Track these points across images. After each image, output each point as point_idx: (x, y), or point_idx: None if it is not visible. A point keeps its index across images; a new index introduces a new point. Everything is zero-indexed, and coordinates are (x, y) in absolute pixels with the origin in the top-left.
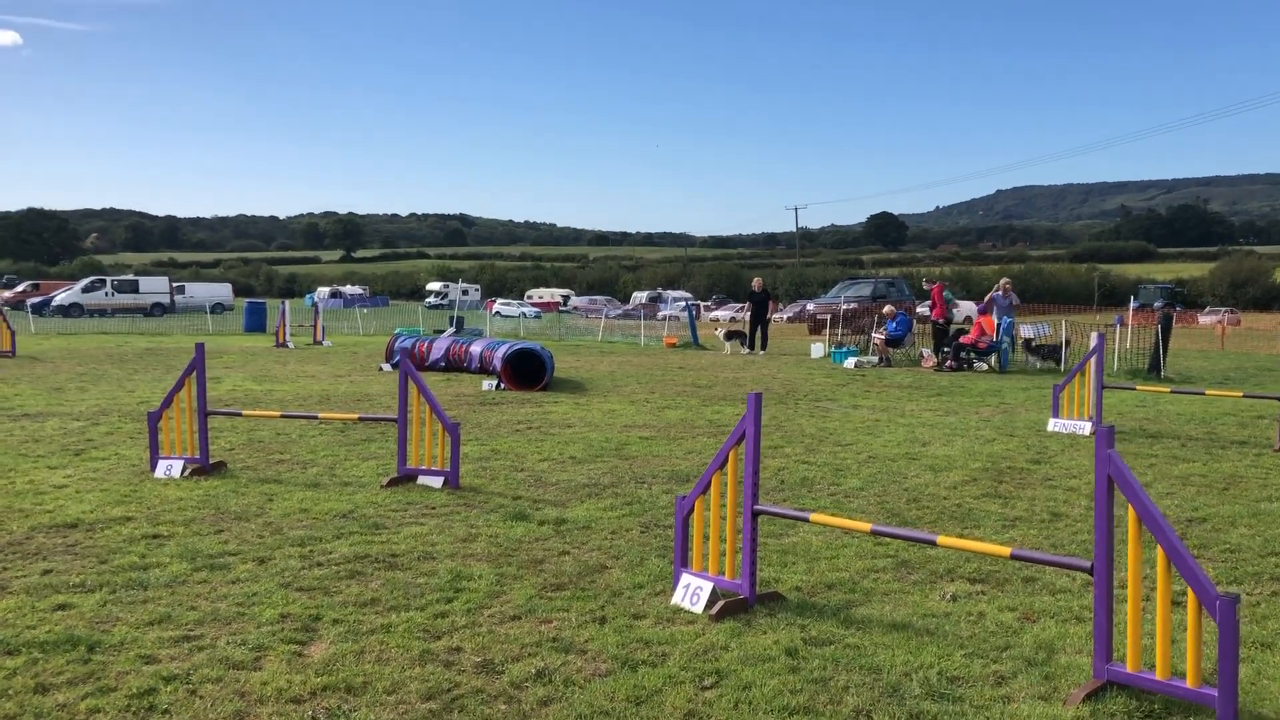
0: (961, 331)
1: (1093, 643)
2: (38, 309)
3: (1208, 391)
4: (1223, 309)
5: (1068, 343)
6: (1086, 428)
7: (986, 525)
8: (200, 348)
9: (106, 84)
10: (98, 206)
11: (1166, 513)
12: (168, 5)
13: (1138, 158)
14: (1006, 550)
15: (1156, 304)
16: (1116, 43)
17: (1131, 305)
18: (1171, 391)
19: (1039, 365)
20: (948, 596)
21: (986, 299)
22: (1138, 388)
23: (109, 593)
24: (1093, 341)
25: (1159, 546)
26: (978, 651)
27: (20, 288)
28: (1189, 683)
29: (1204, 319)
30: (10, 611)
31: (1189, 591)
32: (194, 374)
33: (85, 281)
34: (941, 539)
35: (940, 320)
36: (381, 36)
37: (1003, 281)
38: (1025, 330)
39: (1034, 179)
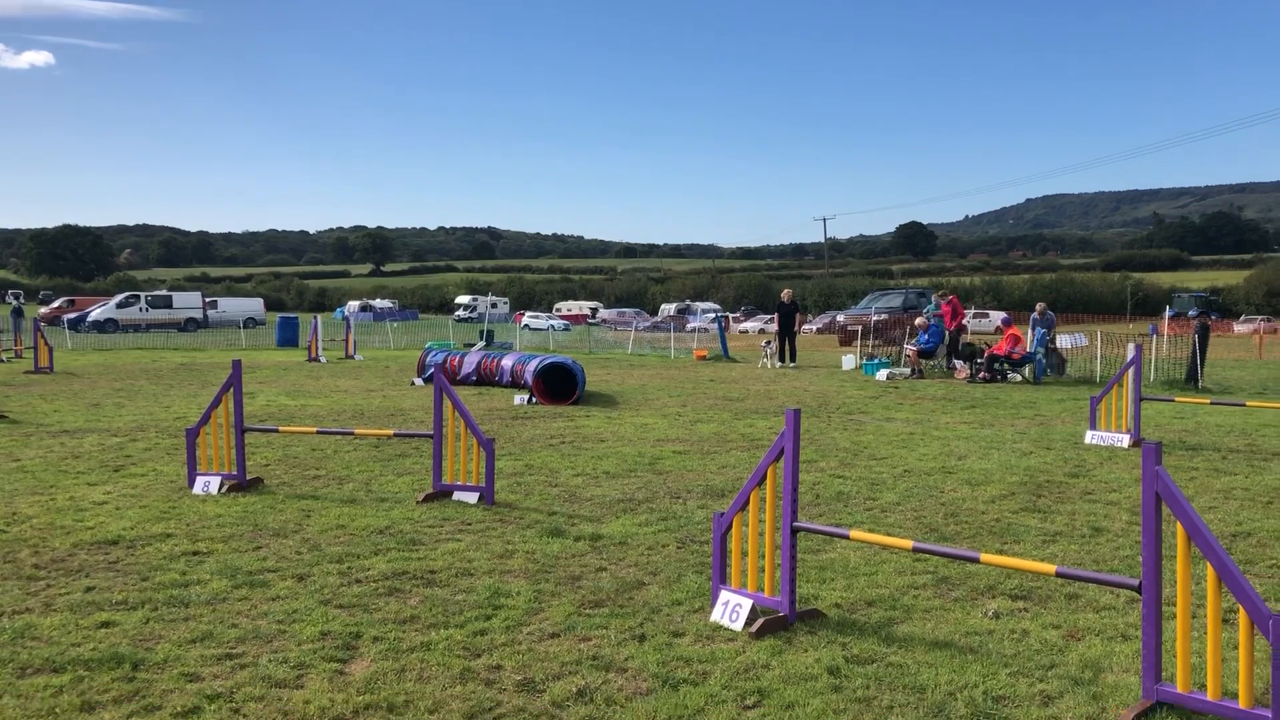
0: (973, 347)
1: (1140, 662)
2: (74, 325)
3: (1249, 403)
4: (1259, 317)
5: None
6: (1125, 440)
7: (1026, 540)
8: (237, 365)
9: (137, 102)
10: (131, 223)
11: (1210, 528)
12: (197, 24)
13: (1170, 165)
14: (1052, 568)
15: (1191, 313)
16: (1147, 48)
17: (1166, 314)
18: (1211, 403)
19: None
20: (991, 614)
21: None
22: (1177, 399)
23: (151, 610)
24: (1129, 353)
25: (1208, 564)
26: (1023, 670)
27: (56, 304)
28: (1241, 703)
29: (1240, 328)
30: (55, 629)
31: (1240, 610)
32: (231, 390)
33: (120, 297)
34: (985, 556)
35: (955, 330)
36: (407, 54)
37: (1039, 306)
38: (1063, 340)
39: (1064, 187)
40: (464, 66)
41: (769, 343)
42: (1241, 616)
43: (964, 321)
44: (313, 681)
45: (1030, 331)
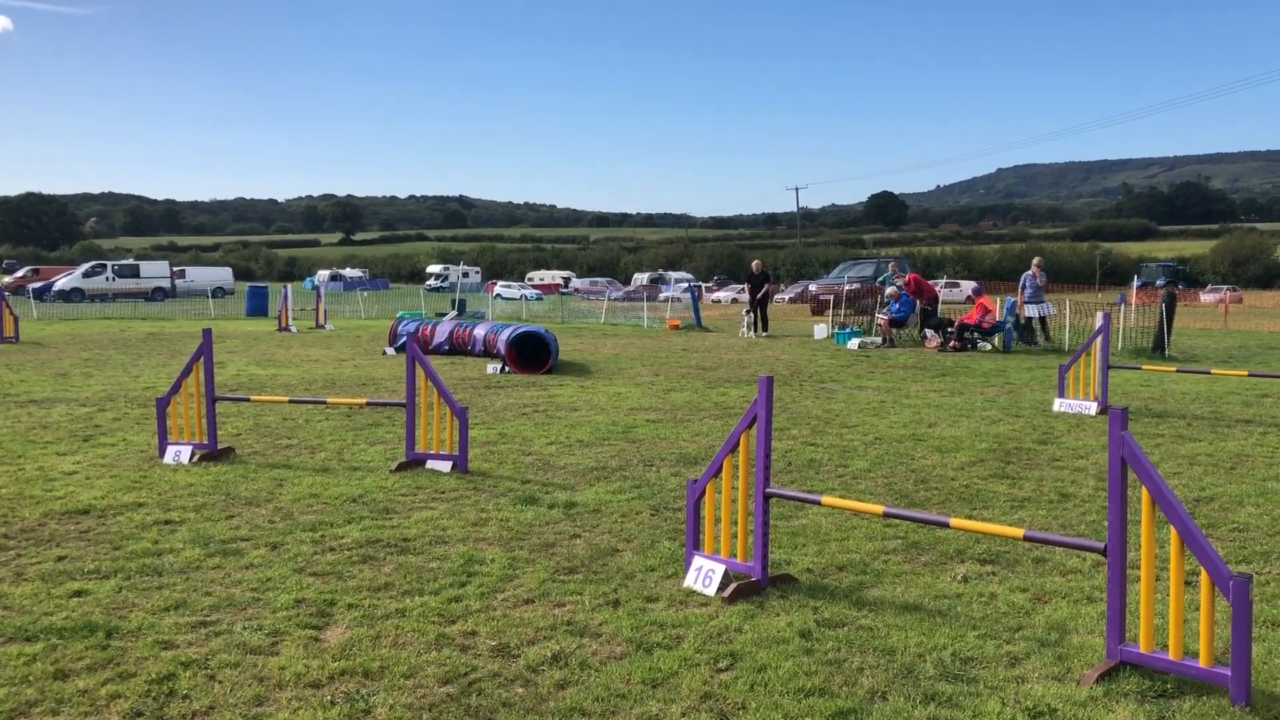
0: (941, 319)
1: (1105, 623)
2: (39, 294)
3: (1214, 370)
4: (1225, 287)
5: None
6: (1092, 408)
7: (995, 506)
8: (208, 333)
9: (102, 68)
10: (96, 190)
11: (1174, 492)
12: None
13: (1139, 135)
14: (1019, 532)
15: (1159, 282)
16: (1117, 19)
17: (1134, 284)
18: (1177, 371)
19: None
20: (959, 577)
21: (1022, 279)
22: (1144, 367)
23: (124, 579)
24: (1098, 322)
25: (1172, 527)
26: (990, 633)
27: (20, 273)
28: (1202, 662)
29: (1206, 297)
30: (27, 598)
31: (1202, 572)
32: (202, 359)
33: (86, 266)
34: (954, 521)
35: (928, 306)
36: (378, 18)
37: (1035, 261)
38: (1029, 310)
39: (1035, 157)
40: (433, 31)
41: (747, 311)
42: (1203, 578)
43: (936, 296)
44: (288, 648)
45: (1020, 291)
